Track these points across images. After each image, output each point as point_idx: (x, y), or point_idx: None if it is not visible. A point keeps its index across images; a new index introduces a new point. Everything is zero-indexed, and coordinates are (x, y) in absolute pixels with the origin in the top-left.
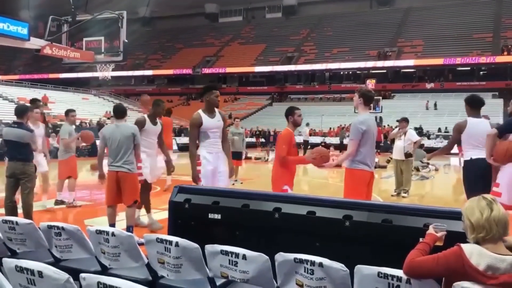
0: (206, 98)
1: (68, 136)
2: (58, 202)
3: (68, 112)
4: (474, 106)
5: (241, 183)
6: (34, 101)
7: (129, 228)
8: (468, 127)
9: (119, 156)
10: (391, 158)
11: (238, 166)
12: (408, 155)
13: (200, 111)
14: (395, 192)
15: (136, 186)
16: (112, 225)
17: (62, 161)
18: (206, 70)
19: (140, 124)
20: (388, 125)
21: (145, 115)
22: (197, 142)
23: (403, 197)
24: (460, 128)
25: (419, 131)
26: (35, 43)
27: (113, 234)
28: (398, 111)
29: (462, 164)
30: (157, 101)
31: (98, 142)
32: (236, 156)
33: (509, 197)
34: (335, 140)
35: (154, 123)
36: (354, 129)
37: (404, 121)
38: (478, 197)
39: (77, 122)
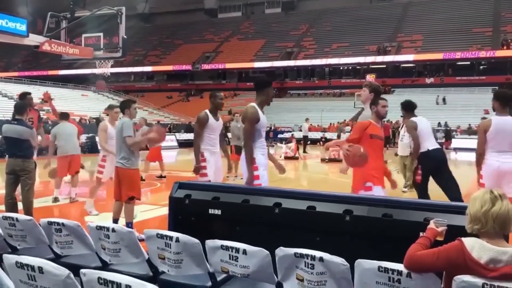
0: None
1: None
2: (57, 200)
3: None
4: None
5: (241, 178)
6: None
7: (128, 225)
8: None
9: (117, 151)
10: (397, 154)
11: (239, 161)
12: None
13: (255, 105)
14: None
15: (133, 182)
16: (116, 220)
17: (60, 158)
18: (206, 66)
19: (202, 120)
20: (388, 120)
21: (207, 110)
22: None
23: (403, 191)
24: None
25: None
26: (33, 39)
27: (113, 230)
28: (398, 106)
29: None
30: (213, 92)
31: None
32: (238, 151)
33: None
34: (335, 136)
35: (217, 118)
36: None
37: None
38: (487, 190)
39: (77, 119)
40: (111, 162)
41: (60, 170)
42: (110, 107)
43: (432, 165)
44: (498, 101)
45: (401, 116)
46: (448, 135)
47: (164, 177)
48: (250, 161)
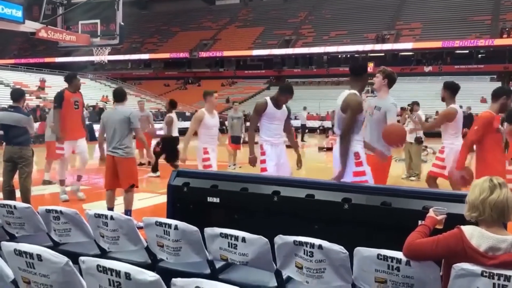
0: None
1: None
2: (46, 182)
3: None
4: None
5: (240, 167)
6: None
7: (127, 212)
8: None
9: (114, 140)
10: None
11: (237, 150)
12: (419, 140)
13: (357, 92)
14: (404, 175)
15: (133, 170)
16: (111, 209)
17: (51, 142)
18: (203, 54)
19: (260, 107)
20: None
21: (268, 97)
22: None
23: (411, 180)
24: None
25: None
26: (30, 26)
27: (112, 218)
28: (394, 94)
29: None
30: (285, 84)
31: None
32: (235, 140)
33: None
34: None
35: (278, 107)
36: (393, 110)
37: (415, 104)
38: (486, 178)
39: None
40: (213, 151)
41: (51, 153)
42: (209, 93)
43: None
44: (448, 91)
45: (408, 105)
46: None
47: (144, 164)
48: (345, 154)
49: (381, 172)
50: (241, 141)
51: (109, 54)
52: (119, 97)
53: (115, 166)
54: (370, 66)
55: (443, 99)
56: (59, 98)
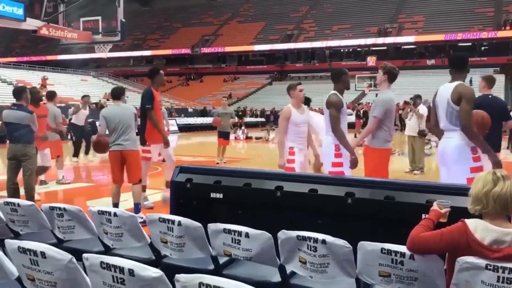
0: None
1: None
2: (42, 183)
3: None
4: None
5: (225, 162)
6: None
7: (137, 206)
8: None
9: (120, 134)
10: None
11: (225, 145)
12: (422, 133)
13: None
14: (408, 169)
15: (140, 164)
16: (116, 204)
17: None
18: (205, 50)
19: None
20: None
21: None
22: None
23: (415, 174)
24: None
25: None
26: (31, 24)
27: (115, 215)
28: (397, 88)
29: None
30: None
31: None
32: (223, 135)
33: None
34: None
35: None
36: (382, 106)
37: (417, 98)
38: (490, 171)
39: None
40: (300, 151)
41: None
42: (292, 87)
43: None
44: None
45: (410, 98)
46: None
47: None
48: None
49: (382, 166)
50: (230, 136)
51: (111, 51)
52: (115, 95)
53: (123, 160)
54: (372, 60)
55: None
56: (150, 97)
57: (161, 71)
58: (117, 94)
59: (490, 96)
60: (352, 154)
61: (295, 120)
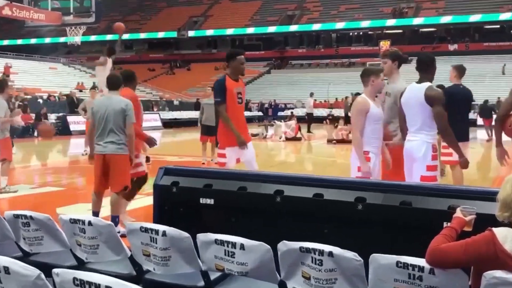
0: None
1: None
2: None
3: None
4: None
5: (216, 163)
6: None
7: (114, 219)
8: None
9: (105, 134)
10: None
11: (212, 143)
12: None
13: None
14: None
15: (126, 170)
16: (96, 213)
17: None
18: (193, 33)
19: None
20: None
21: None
22: None
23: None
24: None
25: None
26: None
27: (90, 223)
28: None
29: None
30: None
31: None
32: (205, 130)
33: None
34: (343, 113)
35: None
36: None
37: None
38: None
39: (45, 96)
40: (376, 157)
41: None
42: (376, 72)
43: None
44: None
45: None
46: (487, 111)
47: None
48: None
49: (396, 165)
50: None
51: (84, 34)
52: (112, 84)
53: (104, 165)
54: (386, 45)
55: None
56: (222, 89)
57: (241, 56)
58: (112, 83)
59: (461, 86)
60: (461, 156)
61: (373, 115)
